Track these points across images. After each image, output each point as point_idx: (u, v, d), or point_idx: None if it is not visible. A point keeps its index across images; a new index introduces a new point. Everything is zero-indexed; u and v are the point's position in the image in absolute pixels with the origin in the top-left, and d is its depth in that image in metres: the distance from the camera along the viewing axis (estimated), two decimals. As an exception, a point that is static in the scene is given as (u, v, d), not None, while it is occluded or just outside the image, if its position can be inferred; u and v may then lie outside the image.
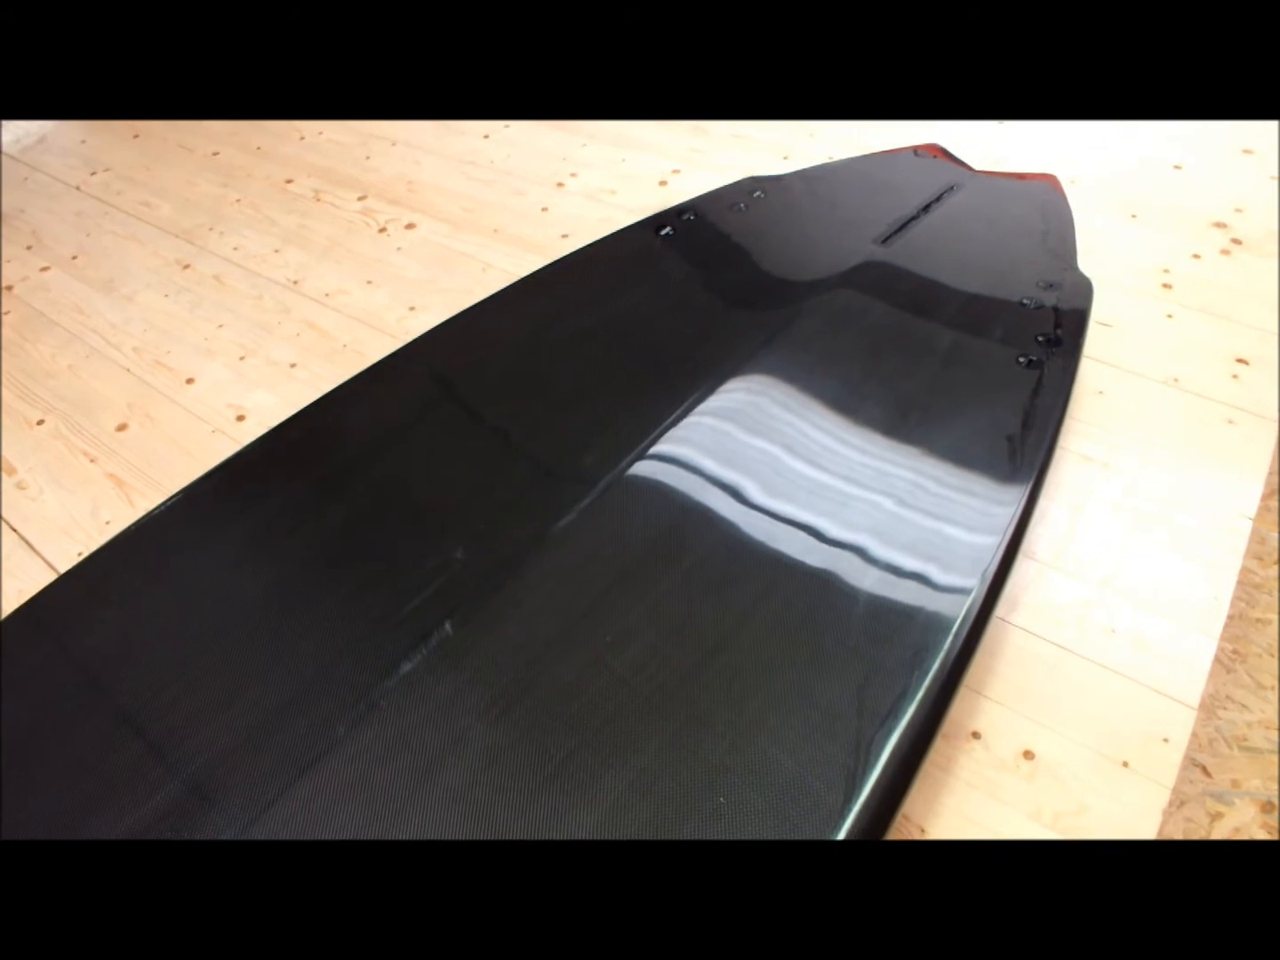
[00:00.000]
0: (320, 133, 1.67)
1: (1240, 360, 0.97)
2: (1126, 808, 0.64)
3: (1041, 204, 1.07)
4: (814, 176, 1.14)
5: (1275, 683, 0.71)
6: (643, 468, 0.74)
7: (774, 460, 0.74)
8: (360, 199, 1.47)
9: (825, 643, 0.61)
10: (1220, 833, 0.63)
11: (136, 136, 1.78)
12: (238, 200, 1.52)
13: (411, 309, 1.22)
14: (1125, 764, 0.66)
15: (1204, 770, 0.67)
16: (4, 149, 1.82)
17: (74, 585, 0.72)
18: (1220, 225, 1.14)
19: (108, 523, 0.98)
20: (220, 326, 1.25)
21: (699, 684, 0.60)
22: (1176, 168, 1.25)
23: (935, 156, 1.17)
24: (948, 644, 0.60)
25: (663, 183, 1.38)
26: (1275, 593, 0.77)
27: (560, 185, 1.41)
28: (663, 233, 1.04)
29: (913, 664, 0.59)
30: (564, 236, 1.29)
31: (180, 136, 1.74)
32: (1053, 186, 1.10)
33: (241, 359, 1.18)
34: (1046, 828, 0.64)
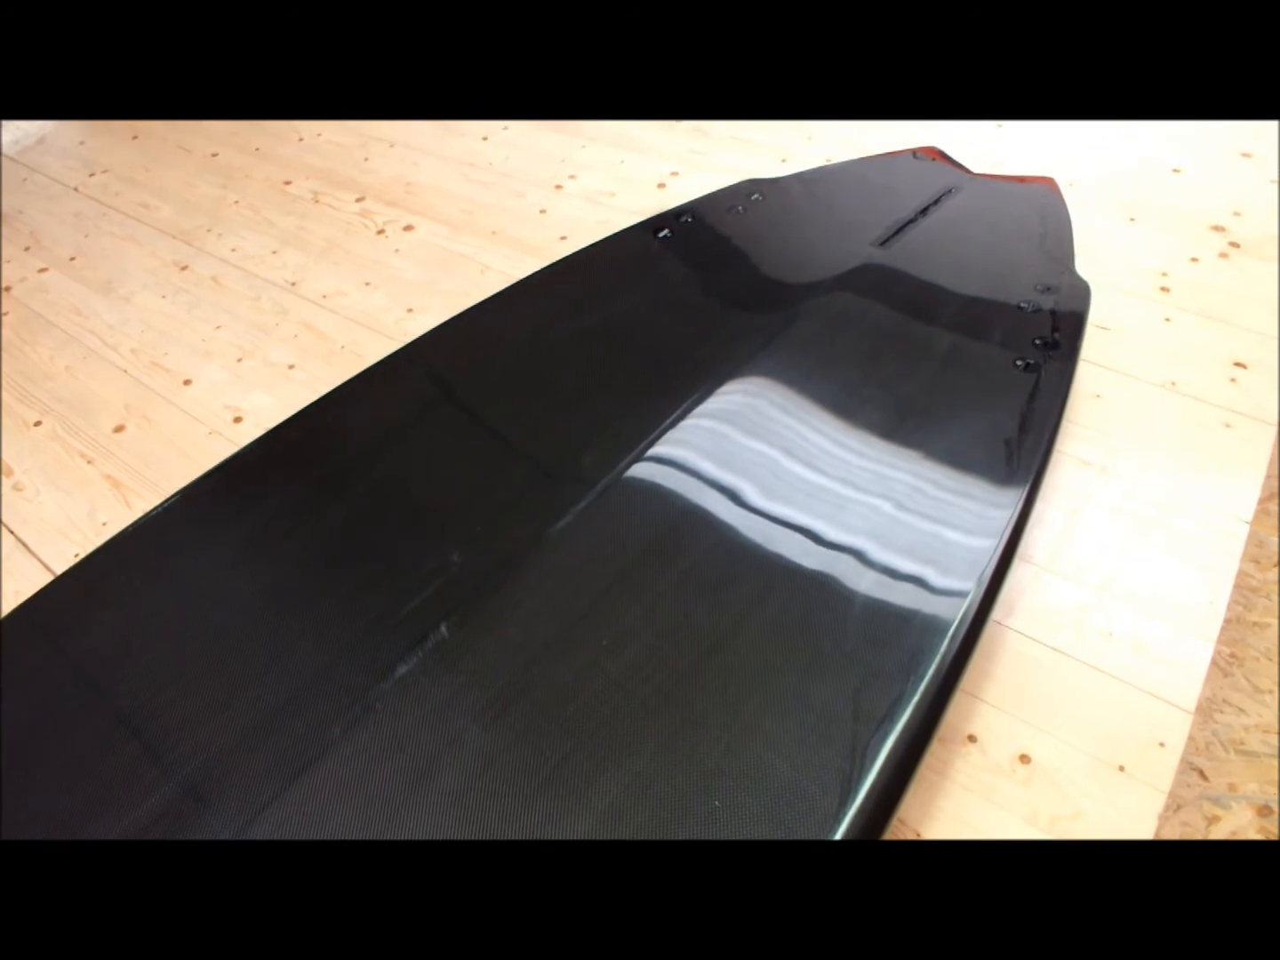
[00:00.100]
0: (319, 134, 1.67)
1: (1238, 364, 0.97)
2: (1122, 812, 0.64)
3: (1040, 207, 1.07)
4: (812, 179, 1.14)
5: (1273, 686, 0.71)
6: (640, 469, 0.74)
7: (771, 462, 0.74)
8: (359, 200, 1.47)
9: (821, 645, 0.61)
10: (1217, 836, 0.63)
11: (135, 138, 1.78)
12: (236, 201, 1.52)
13: (409, 311, 1.22)
14: (1121, 768, 0.66)
15: (1201, 774, 0.67)
16: (3, 150, 1.82)
17: (71, 587, 0.73)
18: (1219, 228, 1.14)
19: (105, 524, 0.98)
20: (218, 328, 1.25)
21: (695, 687, 0.60)
22: (1175, 171, 1.25)
23: (934, 159, 1.17)
24: (944, 647, 0.60)
25: (661, 185, 1.38)
26: (1273, 596, 0.77)
27: (559, 187, 1.41)
28: (661, 235, 1.04)
29: (909, 667, 0.59)
30: (562, 238, 1.29)
31: (179, 137, 1.74)
32: (1051, 189, 1.10)
33: (239, 360, 1.18)
34: (1042, 832, 0.64)
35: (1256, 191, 1.19)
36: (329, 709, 0.61)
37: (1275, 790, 0.65)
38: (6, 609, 0.89)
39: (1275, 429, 0.90)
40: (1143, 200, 1.20)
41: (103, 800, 0.57)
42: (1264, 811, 0.64)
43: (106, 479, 1.04)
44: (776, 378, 0.83)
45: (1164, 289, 1.07)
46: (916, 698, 0.57)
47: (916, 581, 0.64)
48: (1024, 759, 0.67)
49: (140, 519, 0.76)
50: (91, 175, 1.68)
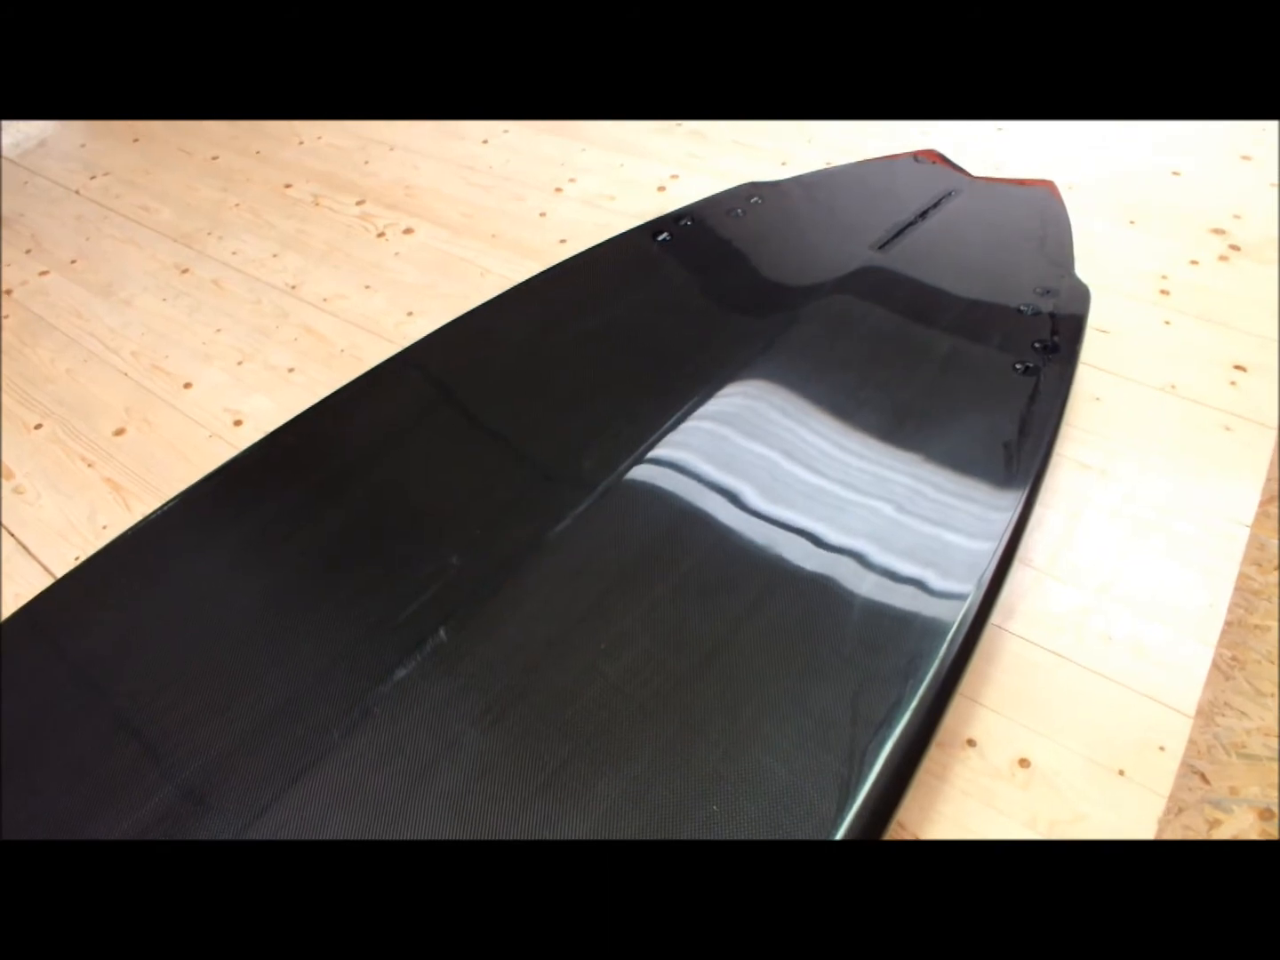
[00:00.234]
0: (319, 137, 1.68)
1: (1238, 367, 0.97)
2: (1122, 816, 0.64)
3: (1039, 210, 1.07)
4: (812, 182, 1.14)
5: (1274, 689, 0.71)
6: (640, 472, 0.74)
7: (771, 465, 0.74)
8: (359, 203, 1.47)
9: (820, 649, 0.61)
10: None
11: (136, 140, 1.78)
12: (236, 204, 1.52)
13: (409, 314, 1.22)
14: (1121, 772, 0.66)
15: (1202, 777, 0.66)
16: (4, 153, 1.83)
17: (71, 589, 0.73)
18: (1219, 231, 1.14)
19: (105, 527, 0.98)
20: (218, 331, 1.25)
21: (693, 691, 0.59)
22: (1175, 174, 1.25)
23: (934, 162, 1.17)
24: (943, 651, 0.60)
25: (661, 188, 1.38)
26: (1275, 599, 0.77)
27: (559, 190, 1.41)
28: (660, 238, 1.04)
29: (907, 671, 0.59)
30: (562, 242, 1.30)
31: (180, 140, 1.75)
32: (1051, 192, 1.10)
33: (239, 363, 1.19)
34: (1042, 836, 0.63)
35: (1257, 194, 1.19)
36: (328, 712, 0.61)
37: (1277, 794, 0.65)
38: (7, 612, 0.89)
39: (1275, 432, 0.89)
40: (1143, 203, 1.20)
41: (102, 801, 0.57)
42: (1265, 815, 0.64)
43: (107, 482, 1.04)
44: (776, 380, 0.83)
45: (1164, 292, 1.07)
46: (915, 702, 0.57)
47: (915, 585, 0.64)
48: (1023, 763, 0.67)
49: (140, 522, 0.76)
50: (92, 178, 1.68)
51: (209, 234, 1.46)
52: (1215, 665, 0.72)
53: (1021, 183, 1.14)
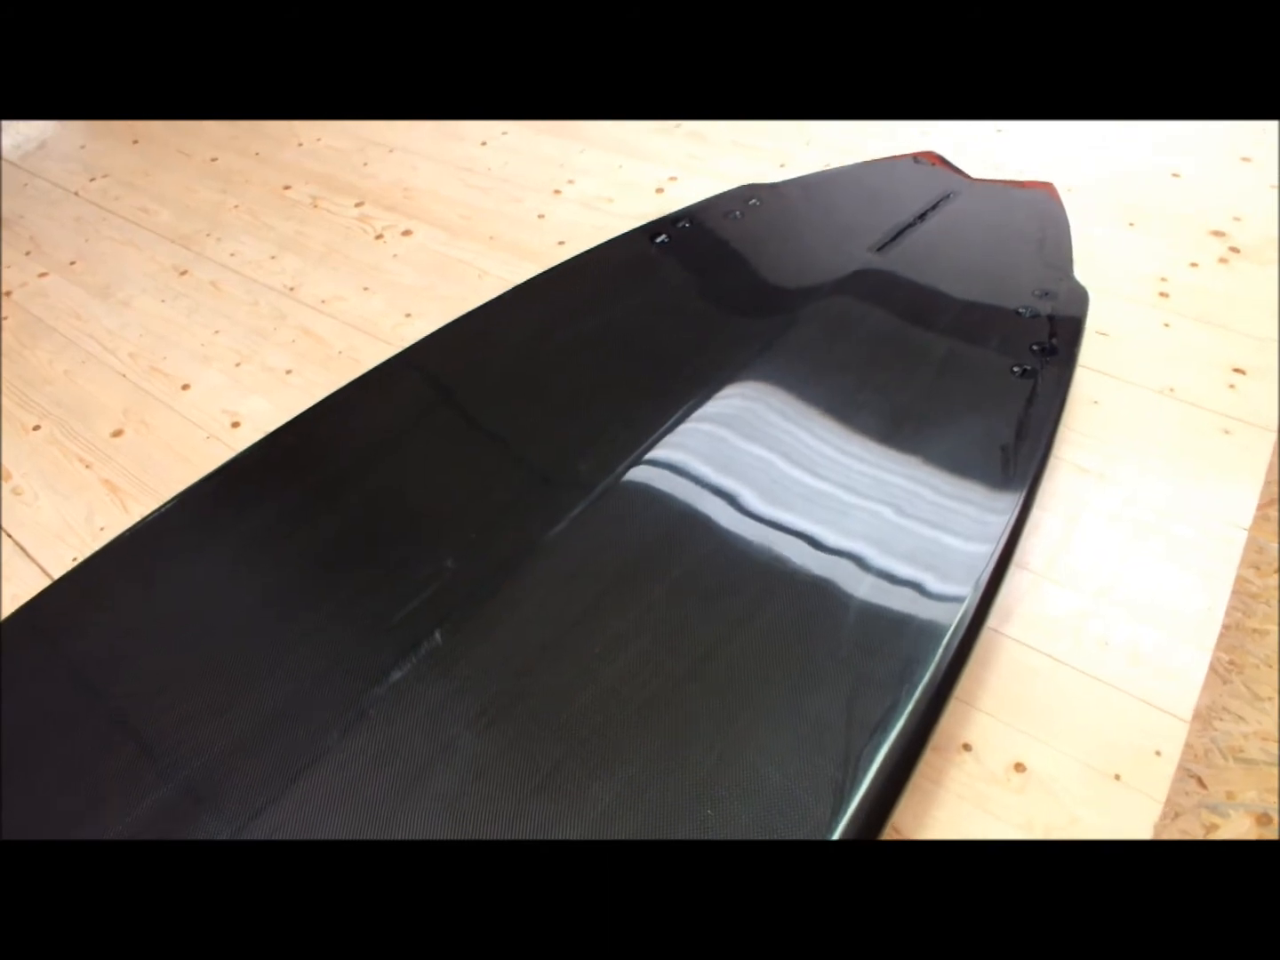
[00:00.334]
0: (318, 139, 1.68)
1: (1237, 370, 0.96)
2: (1118, 821, 0.64)
3: (1038, 212, 1.07)
4: (810, 184, 1.14)
5: (1273, 694, 0.71)
6: (638, 474, 0.74)
7: (768, 467, 0.74)
8: (357, 205, 1.47)
9: (816, 653, 0.61)
10: (1214, 847, 0.63)
11: (136, 142, 1.78)
12: (235, 206, 1.52)
13: (407, 316, 1.22)
14: (1117, 777, 0.66)
15: (1199, 782, 0.66)
16: (4, 154, 1.83)
17: (68, 591, 0.72)
18: (1218, 233, 1.14)
19: (102, 528, 0.98)
20: (216, 332, 1.25)
21: (688, 694, 0.59)
22: (1175, 175, 1.25)
23: (933, 164, 1.17)
24: (939, 655, 0.60)
25: (660, 190, 1.38)
26: (1273, 603, 0.76)
27: (557, 192, 1.41)
28: (658, 240, 1.04)
29: (903, 675, 0.59)
30: (560, 243, 1.29)
31: (180, 141, 1.75)
32: (1050, 194, 1.10)
33: (237, 365, 1.19)
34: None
35: (1256, 196, 1.19)
36: (324, 714, 0.60)
37: (1274, 798, 0.65)
38: (5, 613, 0.89)
39: (1274, 435, 0.89)
40: (1142, 205, 1.20)
41: (99, 802, 0.57)
42: (1263, 820, 0.64)
43: (104, 483, 1.04)
44: (774, 382, 0.83)
45: (1163, 294, 1.07)
46: (911, 706, 0.57)
47: (912, 588, 0.64)
48: (1019, 767, 0.67)
49: (137, 524, 0.76)
50: (92, 180, 1.68)
51: (208, 235, 1.46)
52: (1213, 669, 0.72)
53: (1021, 185, 1.13)
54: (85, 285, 1.40)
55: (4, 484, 1.06)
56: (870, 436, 0.77)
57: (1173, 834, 0.63)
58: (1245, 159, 1.26)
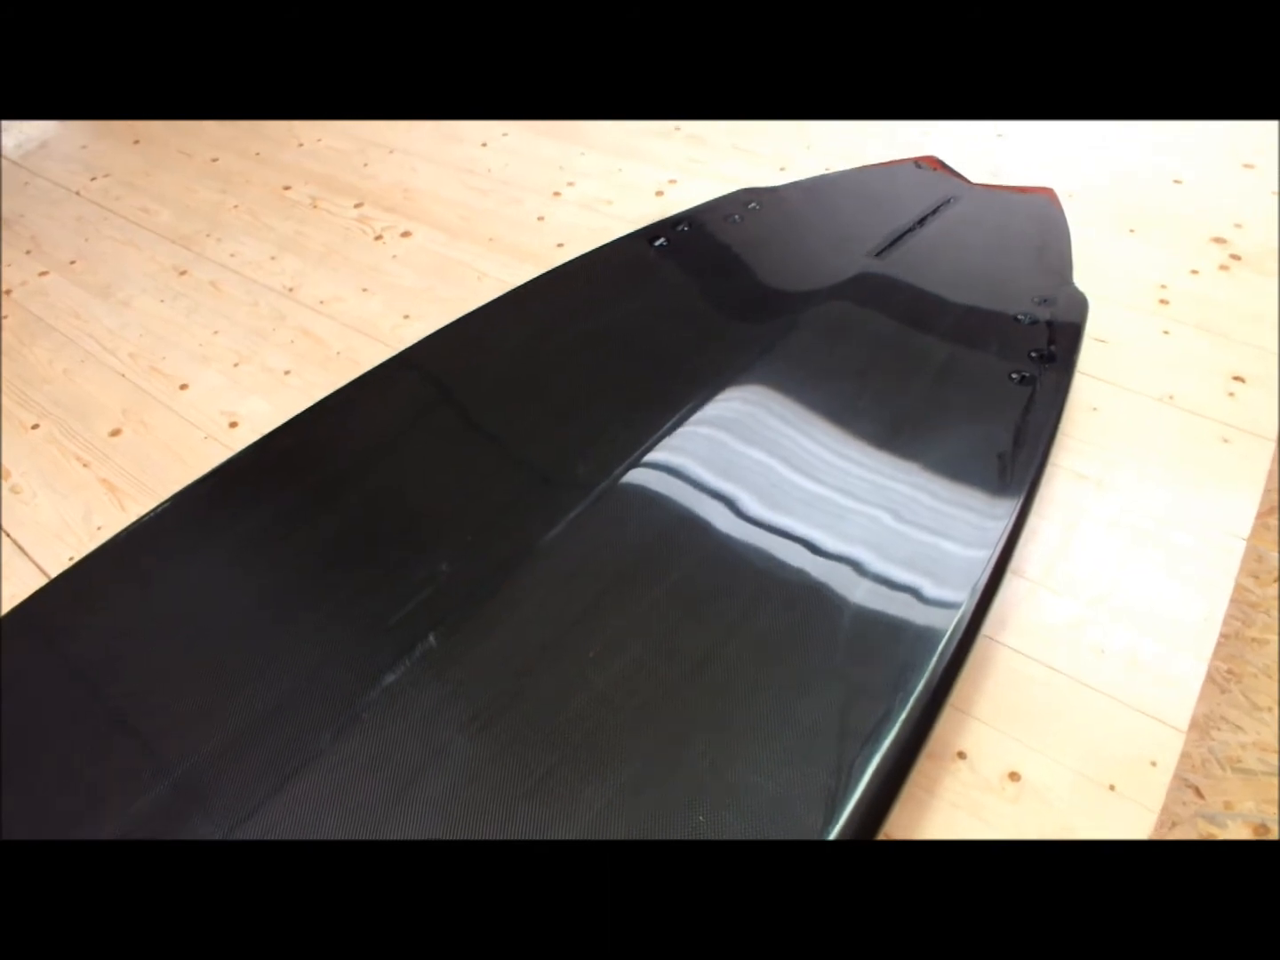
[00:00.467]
0: (319, 139, 1.68)
1: (1237, 378, 0.96)
2: (1111, 831, 0.63)
3: (1039, 218, 1.06)
4: (810, 188, 1.14)
5: (1272, 704, 0.70)
6: (635, 476, 0.74)
7: (766, 471, 0.74)
8: (357, 206, 1.47)
9: (810, 659, 0.60)
10: (1210, 857, 0.63)
11: (137, 142, 1.79)
12: (235, 206, 1.52)
13: (406, 317, 1.22)
14: (1112, 787, 0.66)
15: (1197, 791, 0.66)
16: (5, 154, 1.83)
17: (64, 590, 0.72)
18: (1219, 240, 1.14)
19: (99, 528, 0.98)
20: (215, 333, 1.25)
21: (682, 700, 0.59)
22: (1176, 182, 1.24)
23: (934, 169, 1.17)
24: (934, 662, 0.59)
25: (659, 193, 1.38)
26: (1273, 612, 0.76)
27: (557, 194, 1.41)
28: (657, 243, 1.04)
29: (898, 682, 0.58)
30: (559, 246, 1.29)
31: (180, 142, 1.75)
32: (1050, 200, 1.09)
33: (236, 365, 1.19)
34: (1033, 850, 0.63)
35: (1258, 203, 1.18)
36: (317, 716, 0.60)
37: (1273, 809, 0.64)
38: (2, 610, 0.89)
39: (1274, 444, 0.89)
40: (1143, 211, 1.20)
41: (93, 801, 0.57)
42: (1261, 831, 0.64)
43: (102, 483, 1.04)
44: (772, 387, 0.82)
45: (1163, 301, 1.07)
46: (905, 713, 0.57)
47: (907, 595, 0.64)
48: (1014, 776, 0.67)
49: (134, 523, 0.76)
50: (93, 179, 1.68)
51: (208, 236, 1.46)
52: (1211, 678, 0.72)
53: (1021, 190, 1.13)
54: (85, 285, 1.40)
55: (2, 482, 1.06)
56: (868, 442, 0.77)
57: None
58: (1248, 165, 1.25)
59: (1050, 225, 1.04)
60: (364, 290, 1.28)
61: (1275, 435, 0.90)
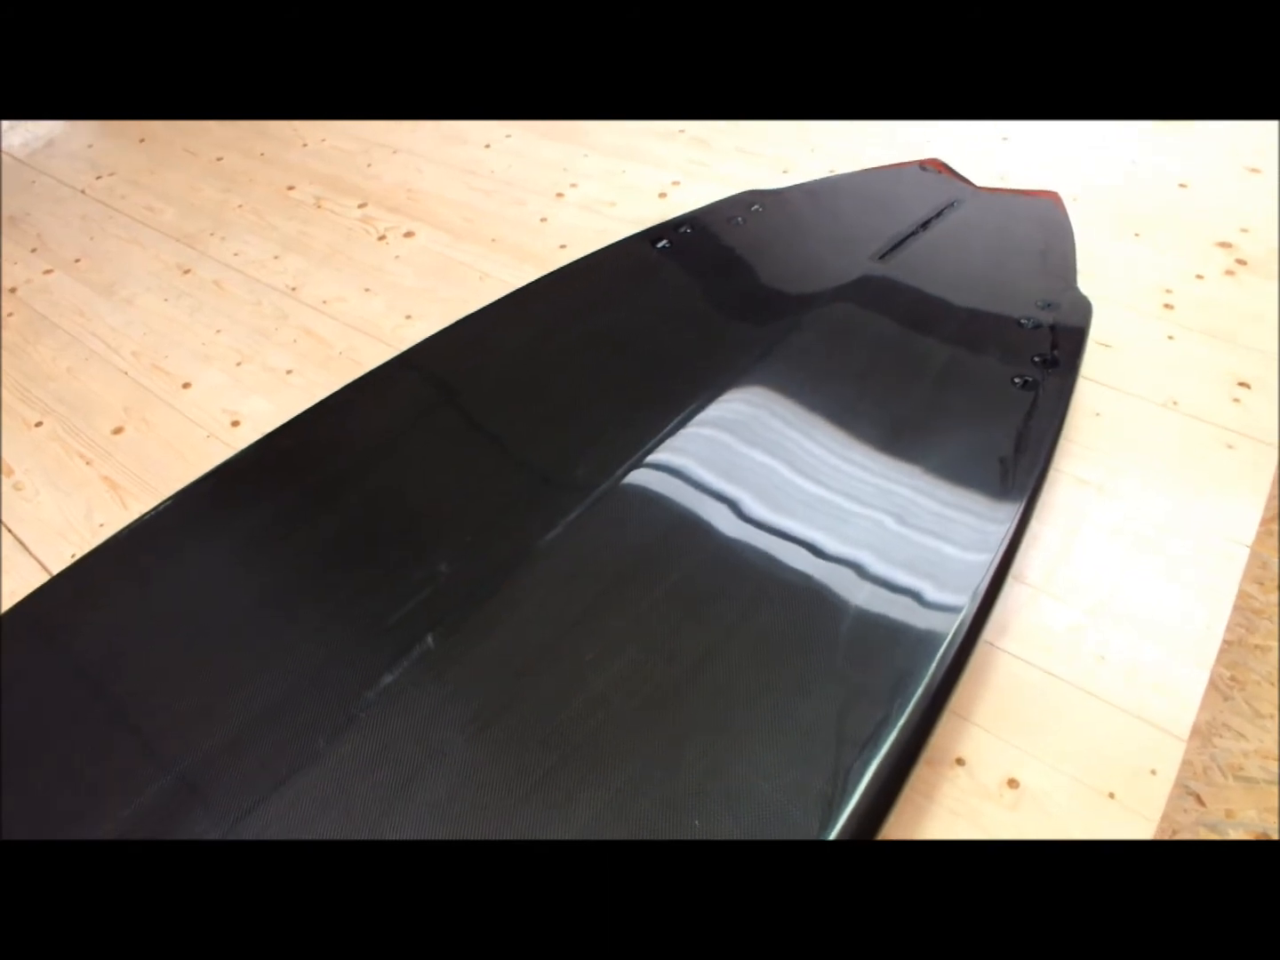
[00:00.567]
0: (323, 140, 1.68)
1: (1242, 384, 0.96)
2: (1110, 839, 0.63)
3: (1043, 221, 1.06)
4: (813, 190, 1.14)
5: (1274, 711, 0.70)
6: (635, 477, 0.74)
7: (767, 473, 0.74)
8: (361, 206, 1.47)
9: (809, 663, 0.60)
10: (1210, 866, 0.62)
11: (142, 141, 1.79)
12: (239, 206, 1.53)
13: (408, 317, 1.22)
14: (1111, 795, 0.65)
15: (1198, 799, 0.65)
16: (12, 152, 1.84)
17: (65, 587, 0.73)
18: (1225, 245, 1.13)
19: (101, 525, 0.99)
20: (218, 332, 1.25)
21: (680, 703, 0.59)
22: (1182, 185, 1.24)
23: (939, 172, 1.17)
24: (933, 667, 0.59)
25: (662, 195, 1.38)
26: (1276, 619, 0.76)
27: (560, 196, 1.41)
28: (660, 245, 1.04)
29: (897, 687, 0.58)
30: (562, 247, 1.29)
31: (185, 141, 1.76)
32: (1055, 204, 1.09)
33: (238, 364, 1.19)
34: (1032, 857, 0.63)
35: (1264, 208, 1.18)
36: (316, 716, 0.60)
37: (1274, 817, 0.64)
38: (4, 607, 0.89)
39: (1278, 450, 0.88)
40: (1148, 215, 1.20)
41: (94, 799, 0.57)
42: (1262, 839, 0.63)
43: (104, 480, 1.04)
44: (774, 389, 0.82)
45: (1167, 306, 1.06)
46: (904, 719, 0.56)
47: (907, 599, 0.64)
48: (1012, 783, 0.66)
49: (136, 521, 0.76)
50: (98, 178, 1.69)
51: (212, 235, 1.46)
52: (1213, 685, 0.71)
53: (1025, 193, 1.13)
54: (89, 283, 1.40)
55: (5, 479, 1.07)
56: (870, 444, 0.76)
57: (1169, 852, 0.63)
58: (1253, 170, 1.25)
59: (1054, 229, 1.04)
60: (366, 290, 1.28)
61: (1279, 442, 0.89)
